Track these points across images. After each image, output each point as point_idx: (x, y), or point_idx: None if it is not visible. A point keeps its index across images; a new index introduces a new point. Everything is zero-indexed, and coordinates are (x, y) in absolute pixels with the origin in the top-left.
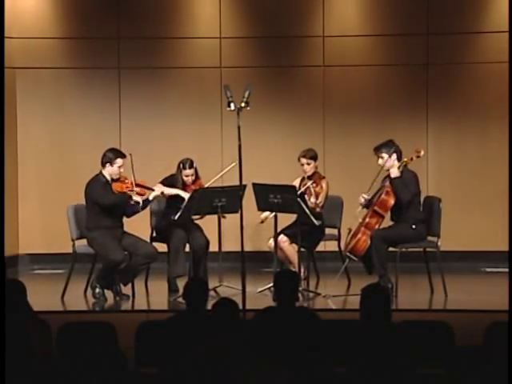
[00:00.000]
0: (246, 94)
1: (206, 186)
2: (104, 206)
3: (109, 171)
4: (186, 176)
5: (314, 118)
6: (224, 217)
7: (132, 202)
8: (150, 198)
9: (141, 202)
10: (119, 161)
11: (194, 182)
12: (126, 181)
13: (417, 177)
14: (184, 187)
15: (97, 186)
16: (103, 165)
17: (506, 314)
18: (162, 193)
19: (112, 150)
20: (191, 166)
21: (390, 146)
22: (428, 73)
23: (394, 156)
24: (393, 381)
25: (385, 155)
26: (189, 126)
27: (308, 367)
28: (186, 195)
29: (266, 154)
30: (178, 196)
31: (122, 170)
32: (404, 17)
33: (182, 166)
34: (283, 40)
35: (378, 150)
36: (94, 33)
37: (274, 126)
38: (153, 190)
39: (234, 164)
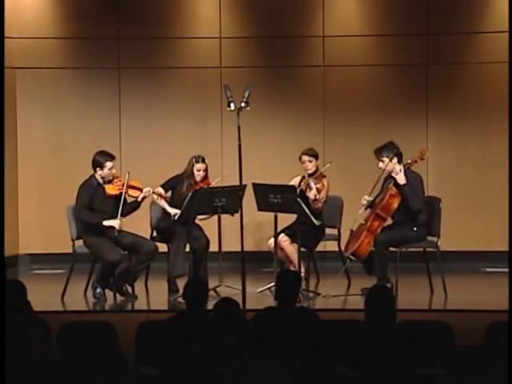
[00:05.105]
0: (246, 94)
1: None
2: (82, 222)
3: (101, 175)
4: (198, 170)
5: (314, 118)
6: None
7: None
8: (139, 199)
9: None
10: (109, 164)
11: (203, 179)
12: (119, 182)
13: (421, 179)
14: (191, 185)
15: (83, 197)
16: (94, 169)
17: (506, 314)
18: (159, 195)
19: (100, 153)
20: (203, 161)
21: (390, 148)
22: (428, 73)
23: (395, 159)
24: (393, 381)
25: (385, 159)
26: (189, 125)
27: (308, 367)
28: (172, 211)
29: (266, 153)
30: (176, 197)
31: (113, 170)
32: (404, 17)
33: (194, 160)
34: (283, 40)
35: (378, 153)
36: (94, 33)
37: (274, 126)
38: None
39: None
